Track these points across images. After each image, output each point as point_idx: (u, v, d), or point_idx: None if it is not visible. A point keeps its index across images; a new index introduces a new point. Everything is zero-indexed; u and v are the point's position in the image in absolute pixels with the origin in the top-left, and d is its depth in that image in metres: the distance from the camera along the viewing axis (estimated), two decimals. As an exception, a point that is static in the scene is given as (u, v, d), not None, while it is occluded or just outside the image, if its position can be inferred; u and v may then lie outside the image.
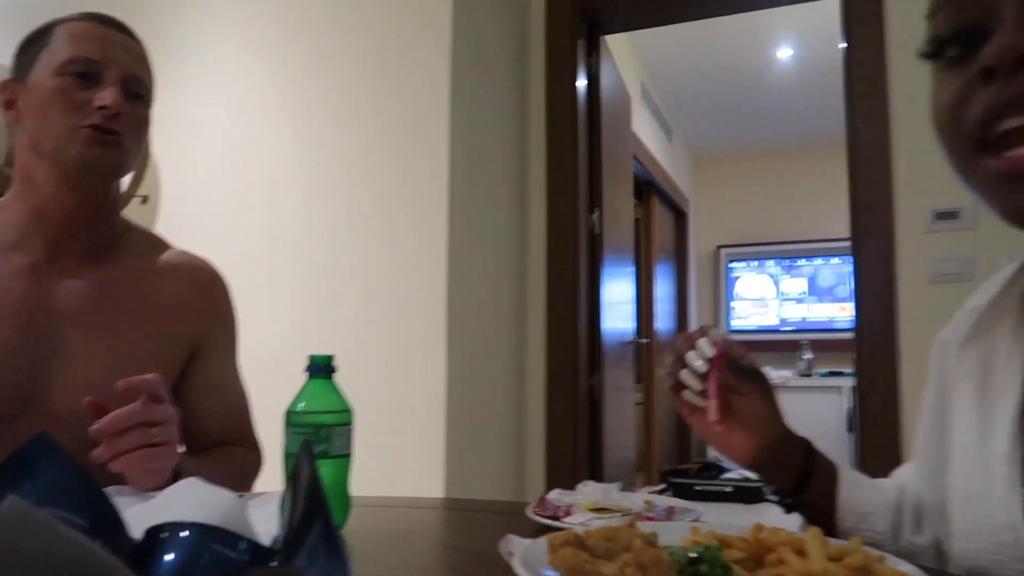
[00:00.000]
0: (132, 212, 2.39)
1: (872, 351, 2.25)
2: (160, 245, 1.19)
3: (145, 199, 2.44)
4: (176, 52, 2.48)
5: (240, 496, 0.64)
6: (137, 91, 1.07)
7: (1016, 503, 0.61)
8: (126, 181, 2.32)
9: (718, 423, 0.75)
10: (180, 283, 1.15)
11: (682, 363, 0.77)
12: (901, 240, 2.24)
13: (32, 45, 1.07)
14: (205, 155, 2.41)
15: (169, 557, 0.46)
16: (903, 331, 2.20)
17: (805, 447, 0.79)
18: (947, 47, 0.60)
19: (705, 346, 0.75)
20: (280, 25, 2.37)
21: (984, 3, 0.58)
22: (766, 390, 0.78)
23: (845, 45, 2.39)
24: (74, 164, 1.01)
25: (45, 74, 1.03)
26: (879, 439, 2.20)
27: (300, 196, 2.28)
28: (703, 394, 0.76)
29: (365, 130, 2.23)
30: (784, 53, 4.93)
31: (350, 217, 2.21)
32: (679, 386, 0.78)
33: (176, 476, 0.94)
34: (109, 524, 0.48)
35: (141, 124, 1.09)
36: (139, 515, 0.53)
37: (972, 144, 0.58)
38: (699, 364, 0.75)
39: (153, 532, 0.48)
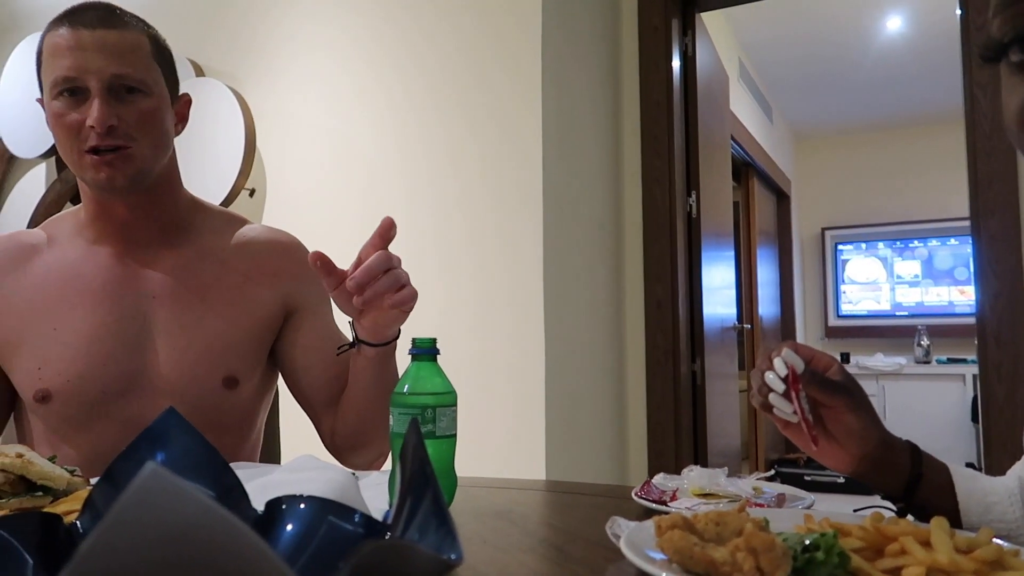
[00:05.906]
0: (241, 205, 2.50)
1: (997, 336, 2.11)
2: (236, 221, 1.23)
3: (252, 192, 2.55)
4: (268, 41, 2.57)
5: (353, 474, 0.66)
6: (128, 86, 1.03)
7: None
8: (229, 175, 2.43)
9: (813, 442, 0.75)
10: (259, 252, 1.19)
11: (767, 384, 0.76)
12: (1028, 217, 2.10)
13: (38, 58, 1.06)
14: (307, 147, 2.49)
15: (289, 528, 0.48)
16: (1031, 314, 2.06)
17: (911, 451, 0.76)
18: (1009, 51, 0.63)
19: (779, 366, 0.74)
20: (374, 14, 2.42)
21: None
22: (857, 401, 0.75)
23: (961, 12, 2.24)
24: (93, 186, 1.06)
25: (47, 97, 1.04)
26: (1006, 430, 2.06)
27: (399, 184, 2.32)
28: (793, 412, 0.75)
29: (459, 116, 2.25)
30: (894, 23, 4.66)
31: (447, 204, 2.25)
32: (768, 404, 0.76)
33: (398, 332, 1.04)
34: (234, 495, 0.51)
35: (146, 118, 1.04)
36: (259, 489, 0.56)
37: None
38: (777, 385, 0.75)
39: (274, 504, 0.50)
